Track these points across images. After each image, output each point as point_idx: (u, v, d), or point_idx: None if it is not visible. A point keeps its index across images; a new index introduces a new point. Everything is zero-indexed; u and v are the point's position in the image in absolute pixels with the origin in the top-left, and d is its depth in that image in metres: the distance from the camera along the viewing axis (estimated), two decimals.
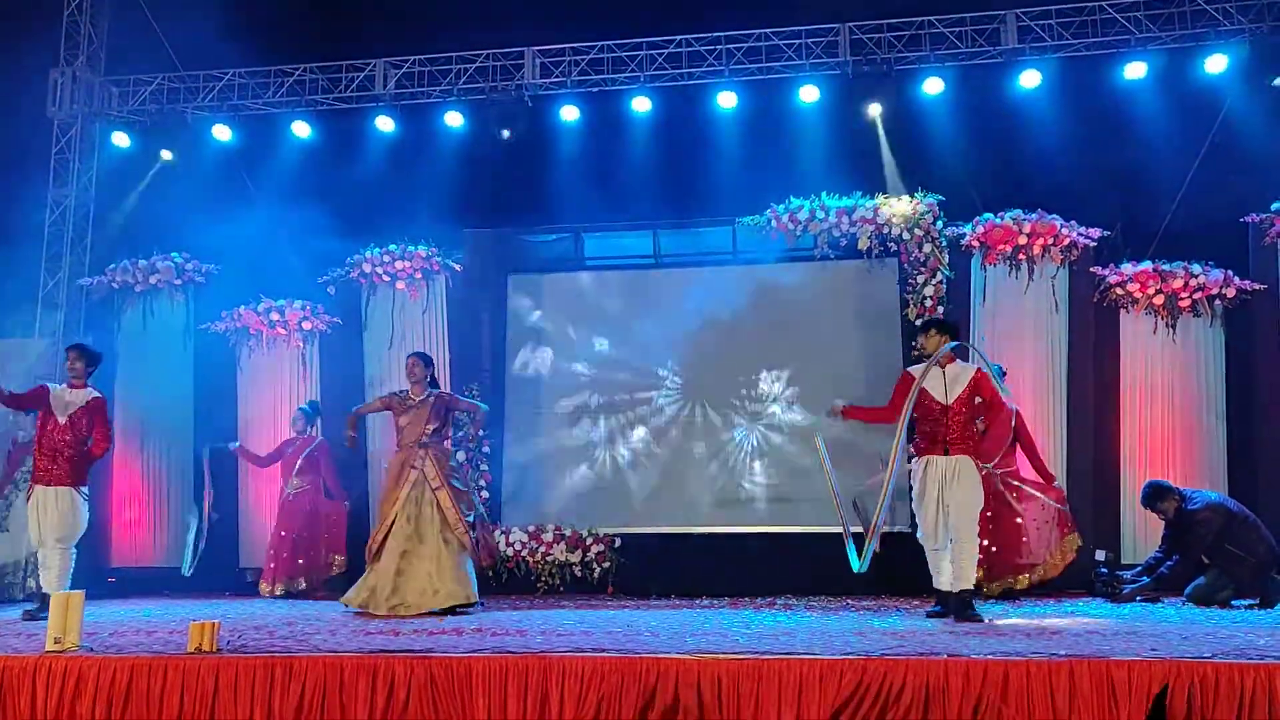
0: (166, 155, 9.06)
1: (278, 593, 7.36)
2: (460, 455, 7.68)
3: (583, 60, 8.70)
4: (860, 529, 5.35)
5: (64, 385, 6.16)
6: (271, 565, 7.48)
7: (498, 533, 7.73)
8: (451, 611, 5.73)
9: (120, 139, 9.17)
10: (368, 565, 5.94)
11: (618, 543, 7.73)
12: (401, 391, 6.32)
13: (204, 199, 8.93)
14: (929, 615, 5.44)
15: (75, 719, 3.58)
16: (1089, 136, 8.04)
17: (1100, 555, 6.86)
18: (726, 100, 8.47)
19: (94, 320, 8.91)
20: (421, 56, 8.92)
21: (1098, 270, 7.72)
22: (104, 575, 7.94)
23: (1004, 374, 6.97)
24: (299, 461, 7.58)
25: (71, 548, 5.95)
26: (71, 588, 5.53)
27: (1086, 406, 7.64)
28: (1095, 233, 7.70)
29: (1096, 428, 7.64)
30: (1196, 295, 7.59)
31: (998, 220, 7.70)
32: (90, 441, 6.08)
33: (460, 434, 7.77)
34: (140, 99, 9.25)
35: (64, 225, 9.09)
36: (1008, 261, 7.77)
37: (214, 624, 3.80)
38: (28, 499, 5.99)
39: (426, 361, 6.35)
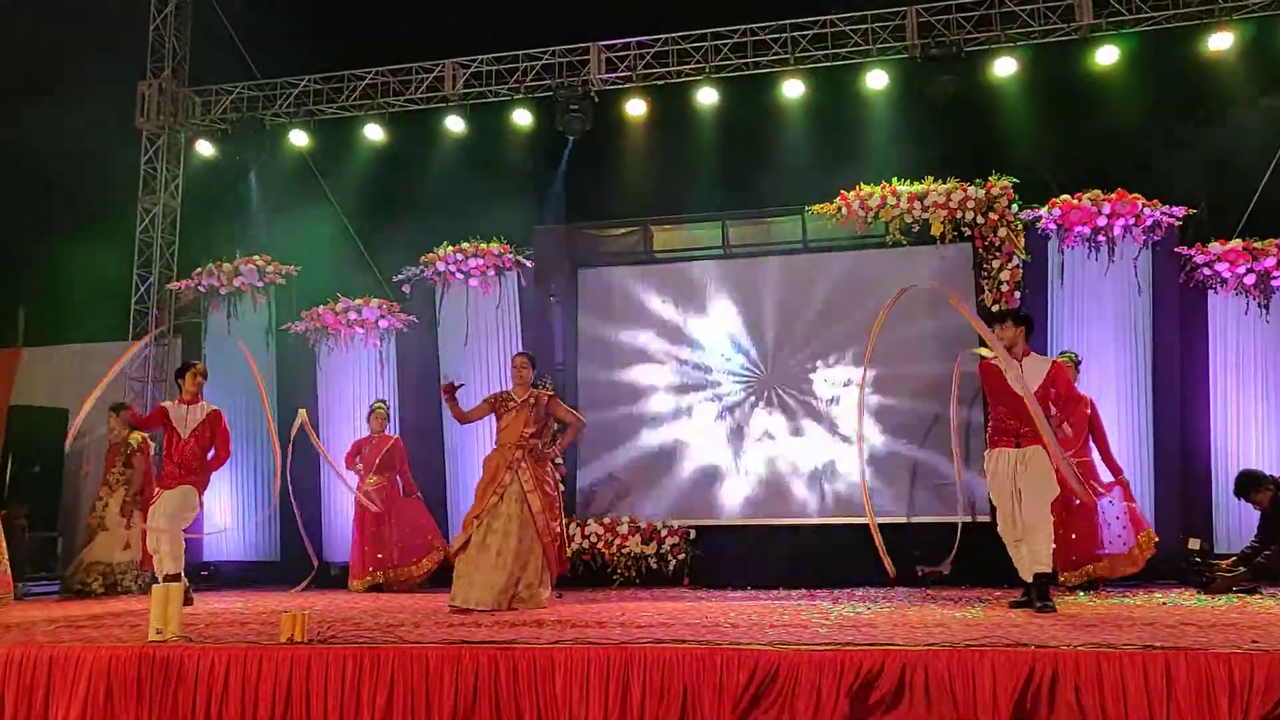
0: (246, 160, 9.33)
1: (364, 587, 7.53)
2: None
3: (647, 54, 8.73)
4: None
5: (175, 401, 6.43)
6: (357, 561, 7.65)
7: (573, 525, 7.81)
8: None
9: (204, 147, 9.50)
10: (456, 562, 5.99)
11: (692, 535, 7.76)
12: (504, 391, 6.25)
13: (283, 203, 9.20)
14: (1012, 606, 5.34)
15: (177, 706, 3.74)
16: (1171, 112, 7.77)
17: (1193, 544, 6.63)
18: (793, 89, 8.41)
19: (182, 323, 9.26)
20: (489, 56, 9.04)
21: (1183, 250, 7.46)
22: (197, 569, 8.25)
23: (1079, 364, 6.76)
24: (377, 459, 7.75)
25: (180, 529, 6.17)
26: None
27: (1174, 392, 7.41)
28: (1180, 211, 7.44)
29: (1184, 413, 7.40)
30: None
31: (1075, 201, 7.50)
32: (212, 453, 6.39)
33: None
34: (221, 108, 9.57)
35: (153, 231, 9.46)
36: (1087, 243, 7.57)
37: (304, 615, 3.93)
38: (148, 504, 6.29)
39: (534, 361, 6.30)
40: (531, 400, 6.12)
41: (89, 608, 6.20)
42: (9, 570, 6.52)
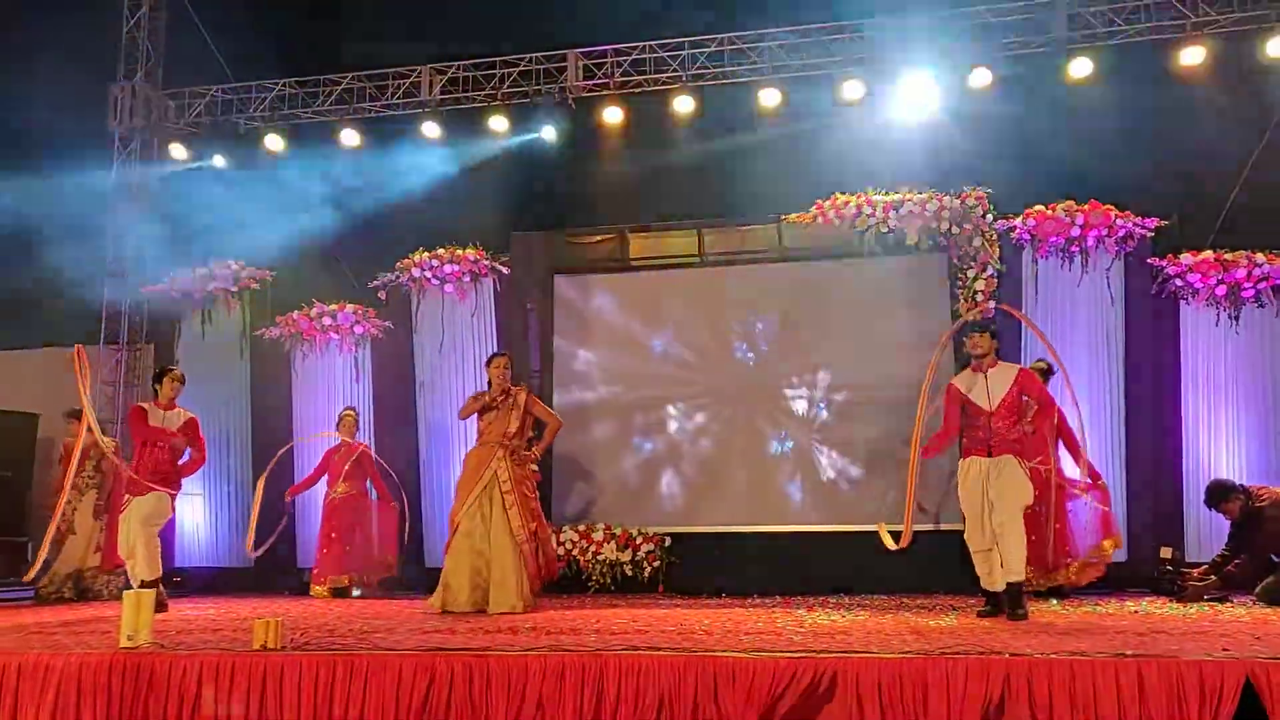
0: (220, 163, 9.25)
1: (326, 592, 7.47)
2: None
3: (625, 61, 8.74)
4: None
5: (152, 404, 6.35)
6: (320, 566, 7.59)
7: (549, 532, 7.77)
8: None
9: (178, 150, 9.41)
10: (445, 561, 5.98)
11: (667, 542, 7.76)
12: (486, 391, 6.28)
13: (258, 207, 9.12)
14: (980, 615, 5.37)
15: (148, 714, 3.68)
16: (1143, 125, 7.85)
17: (1165, 553, 6.70)
18: (769, 98, 8.44)
19: (155, 327, 9.15)
20: (466, 62, 9.02)
21: (1155, 261, 7.56)
22: (169, 575, 8.13)
23: (1051, 373, 6.80)
24: (345, 467, 7.70)
25: (155, 534, 6.14)
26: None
27: (1145, 402, 7.50)
28: (1152, 222, 7.56)
29: (1156, 423, 7.50)
30: (1260, 285, 7.42)
31: (1049, 212, 7.59)
32: (187, 458, 6.34)
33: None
34: (196, 111, 9.48)
35: (125, 235, 9.34)
36: (1060, 254, 7.66)
37: (277, 621, 3.88)
38: (120, 511, 6.22)
39: (512, 361, 6.34)
40: (511, 400, 6.12)
41: (60, 614, 6.10)
42: None
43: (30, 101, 8.94)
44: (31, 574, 6.62)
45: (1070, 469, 6.72)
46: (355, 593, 7.57)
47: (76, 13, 9.36)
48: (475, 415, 6.25)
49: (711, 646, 3.86)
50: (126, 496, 6.27)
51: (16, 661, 3.83)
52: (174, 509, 6.38)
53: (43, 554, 6.31)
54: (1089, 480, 6.61)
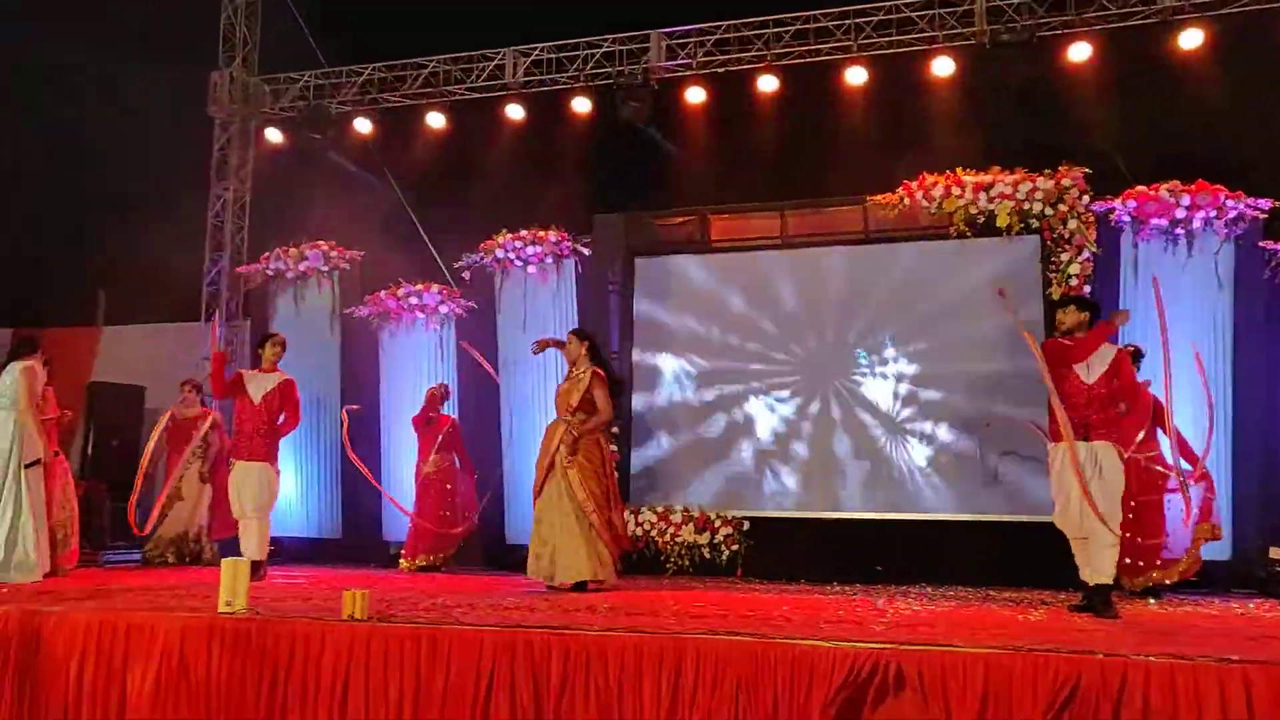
0: (312, 147, 9.50)
1: (416, 566, 7.67)
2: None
3: (708, 41, 8.66)
4: None
5: (251, 369, 6.69)
6: (412, 540, 7.78)
7: (626, 512, 7.82)
8: (581, 588, 5.87)
9: (273, 134, 9.70)
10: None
11: (746, 526, 7.72)
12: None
13: (348, 189, 9.35)
14: (1072, 610, 5.20)
15: (245, 675, 3.86)
16: (1257, 99, 7.45)
17: (1275, 553, 6.38)
18: (856, 76, 8.26)
19: (251, 306, 9.49)
20: (549, 44, 9.06)
21: (1268, 244, 7.16)
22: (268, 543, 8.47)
23: (1141, 356, 6.54)
24: (439, 438, 7.87)
25: (269, 516, 6.56)
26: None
27: (1257, 391, 7.11)
28: (1265, 203, 7.13)
29: (1267, 416, 7.11)
30: None
31: (1151, 192, 7.26)
32: (282, 419, 6.62)
33: None
34: (290, 96, 9.74)
35: (224, 217, 9.70)
36: (1164, 236, 7.32)
37: (365, 593, 4.00)
38: (217, 472, 6.58)
39: (581, 337, 6.40)
40: (579, 376, 6.22)
41: (165, 577, 6.44)
42: (77, 543, 6.77)
43: (134, 88, 9.30)
44: (148, 528, 7.08)
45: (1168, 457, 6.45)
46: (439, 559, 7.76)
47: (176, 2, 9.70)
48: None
49: (792, 633, 3.84)
50: (231, 460, 6.57)
51: (126, 621, 4.05)
52: (279, 480, 6.65)
53: (155, 515, 6.73)
54: (1189, 469, 6.34)
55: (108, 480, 8.54)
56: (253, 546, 6.39)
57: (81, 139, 10.05)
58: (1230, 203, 7.12)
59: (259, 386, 6.58)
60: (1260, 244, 7.14)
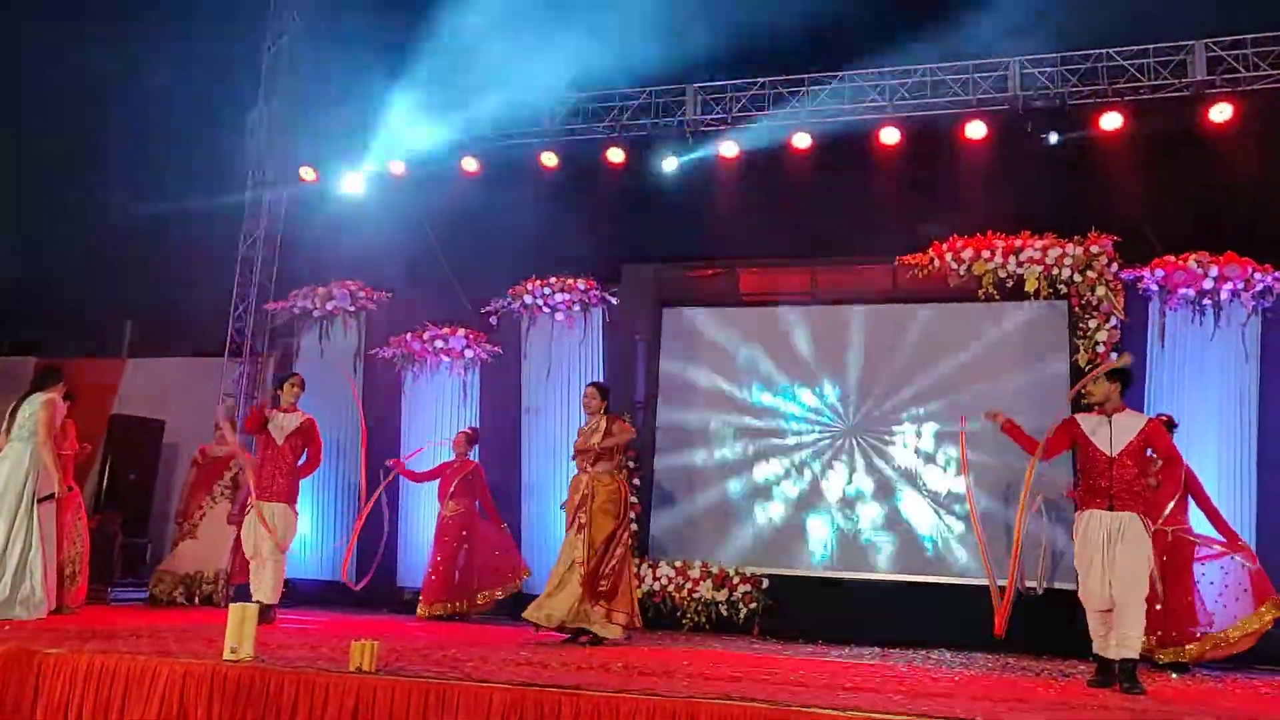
0: (346, 189, 9.61)
1: (434, 614, 7.55)
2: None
3: (744, 97, 8.74)
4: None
5: (274, 409, 6.70)
6: (430, 586, 7.67)
7: (644, 566, 7.76)
8: (580, 634, 5.93)
9: (307, 173, 9.83)
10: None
11: (765, 583, 7.62)
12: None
13: (379, 231, 9.44)
14: (1089, 685, 5.08)
15: None
16: None
17: None
18: (889, 136, 8.30)
19: (275, 342, 9.56)
20: (586, 94, 9.17)
21: None
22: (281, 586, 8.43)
23: (1174, 427, 6.45)
24: (455, 484, 7.83)
25: (284, 558, 6.54)
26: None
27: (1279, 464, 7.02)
28: None
29: None
30: None
31: (1180, 262, 7.23)
32: (305, 459, 6.64)
33: None
34: (325, 136, 9.89)
35: (255, 253, 9.81)
36: (1191, 306, 7.28)
37: (374, 645, 3.96)
38: (244, 513, 6.62)
39: (604, 393, 6.44)
40: (596, 424, 6.28)
41: (172, 618, 6.38)
42: (86, 579, 6.74)
43: (171, 127, 9.50)
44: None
45: (1200, 527, 6.33)
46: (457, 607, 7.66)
47: (216, 42, 9.93)
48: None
49: (808, 701, 3.75)
50: (251, 500, 6.55)
51: (126, 665, 4.00)
52: (296, 522, 6.63)
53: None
54: (1224, 541, 6.21)
55: (122, 514, 8.54)
56: (266, 589, 6.39)
57: (112, 166, 10.25)
58: (1258, 275, 7.10)
59: (280, 427, 6.61)
60: None
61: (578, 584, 5.94)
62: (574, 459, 6.33)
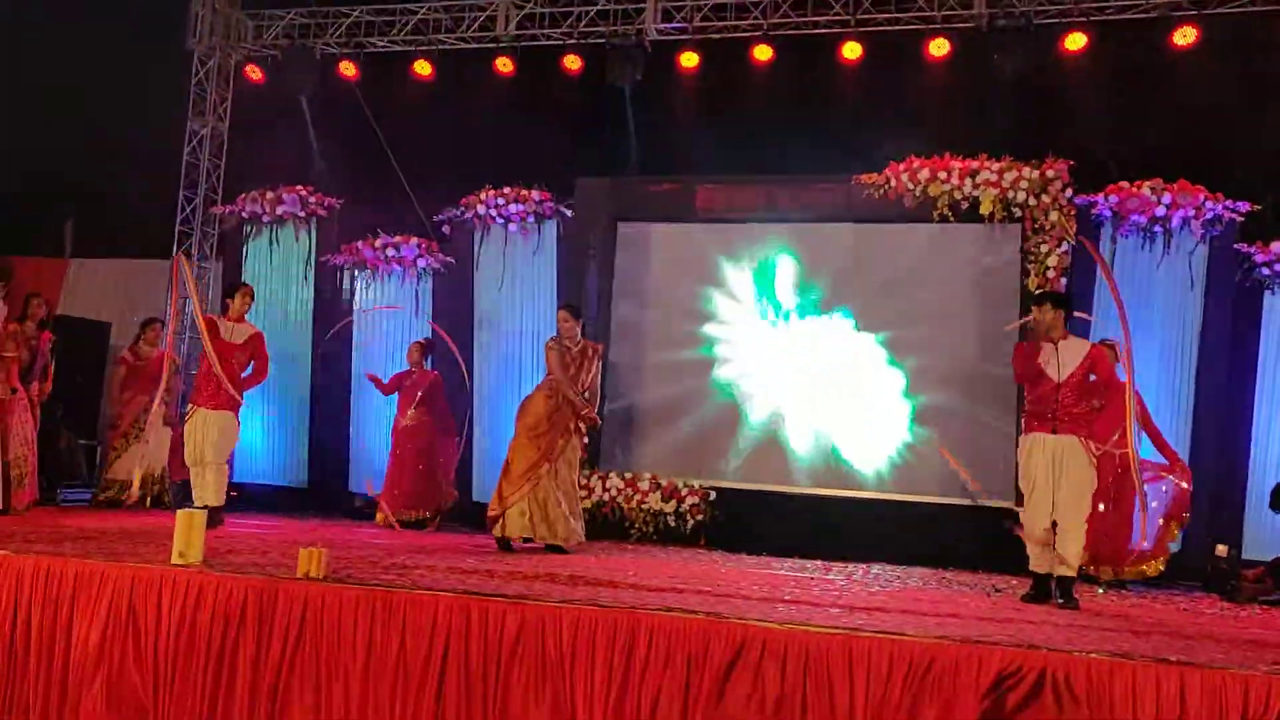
0: (293, 87, 9.27)
1: (394, 521, 7.55)
2: None
3: (705, 6, 8.52)
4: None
5: (221, 318, 6.56)
6: (391, 494, 7.67)
7: (594, 477, 7.85)
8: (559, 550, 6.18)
9: (254, 72, 9.47)
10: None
11: (712, 496, 7.76)
12: (558, 339, 6.44)
13: (329, 134, 9.18)
14: (1023, 599, 5.29)
15: (195, 628, 3.84)
16: (1244, 101, 7.46)
17: (1220, 550, 6.52)
18: (851, 52, 8.18)
19: (224, 247, 9.35)
20: None
21: (1242, 247, 7.23)
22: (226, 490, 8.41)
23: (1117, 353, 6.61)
24: (418, 394, 7.81)
25: (225, 462, 6.50)
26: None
27: (1216, 392, 7.24)
28: (1244, 206, 7.19)
29: (1226, 415, 7.24)
30: None
31: (1134, 189, 7.29)
32: (250, 371, 6.56)
33: None
34: (273, 34, 9.51)
35: (200, 154, 9.49)
36: (1142, 233, 7.37)
37: (322, 552, 3.99)
38: (185, 420, 6.52)
39: (577, 314, 6.48)
40: (589, 352, 6.41)
41: (122, 520, 6.37)
42: (34, 481, 6.67)
43: (112, 16, 9.05)
44: (134, 490, 7.07)
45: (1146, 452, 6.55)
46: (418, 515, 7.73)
47: None
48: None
49: (746, 613, 3.87)
50: (190, 405, 6.48)
51: (74, 568, 4.00)
52: (239, 430, 6.59)
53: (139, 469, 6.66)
54: (1165, 464, 6.45)
55: (69, 416, 8.41)
56: (210, 493, 6.35)
57: (53, 66, 9.79)
58: (1209, 204, 7.17)
59: (231, 337, 6.50)
60: (1235, 246, 7.20)
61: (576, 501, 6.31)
62: (558, 383, 6.30)
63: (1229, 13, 7.49)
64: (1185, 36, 7.51)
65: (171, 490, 7.69)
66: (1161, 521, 6.35)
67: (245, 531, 6.27)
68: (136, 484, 6.91)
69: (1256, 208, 7.19)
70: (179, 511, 4.17)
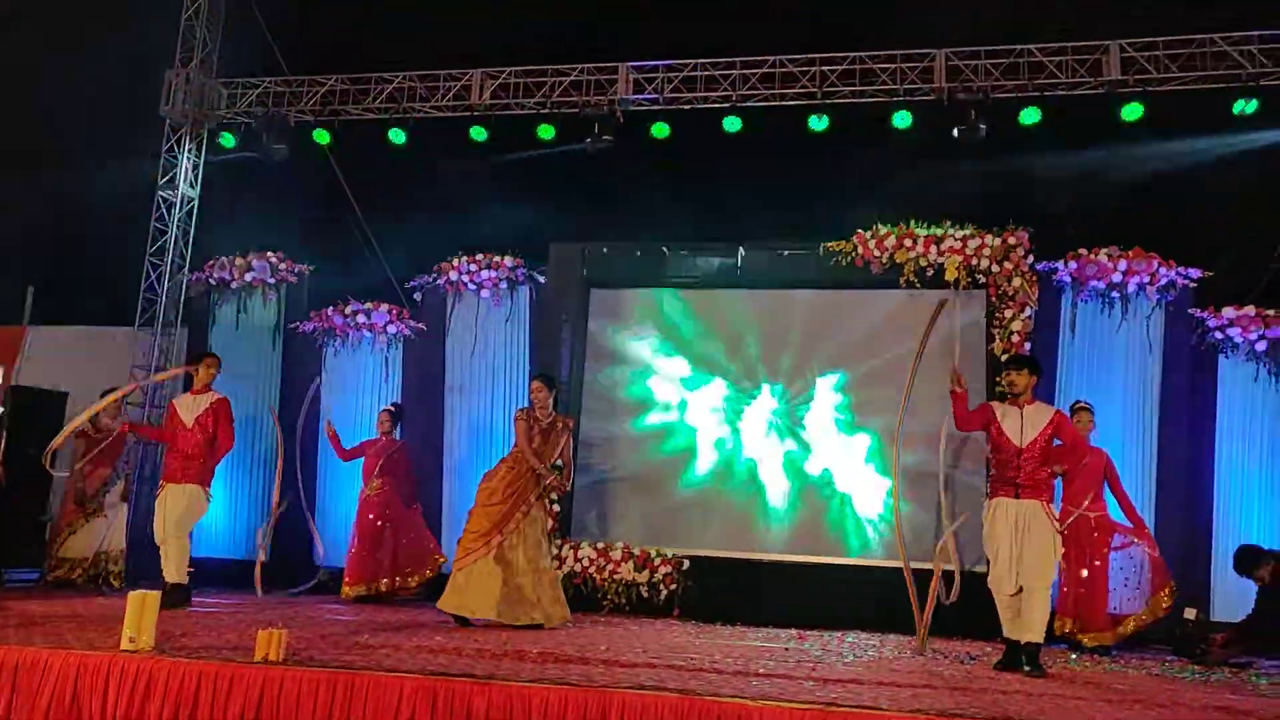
0: (268, 155, 9.33)
1: (357, 594, 7.43)
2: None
3: (676, 78, 8.70)
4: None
5: (183, 393, 6.49)
6: (353, 567, 7.55)
7: (565, 547, 7.76)
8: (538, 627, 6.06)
9: (227, 140, 9.50)
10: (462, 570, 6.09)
11: (685, 565, 7.68)
12: (530, 410, 6.46)
13: (302, 201, 9.21)
14: (996, 667, 5.26)
15: (143, 719, 3.69)
16: (1193, 173, 7.72)
17: (1189, 614, 6.55)
18: (817, 123, 8.37)
19: (190, 314, 9.26)
20: (518, 69, 9.03)
21: (1196, 312, 7.41)
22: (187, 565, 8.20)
23: (1090, 411, 6.74)
24: (381, 462, 7.72)
25: (187, 536, 6.37)
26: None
27: (1178, 453, 7.34)
28: (1195, 273, 7.41)
29: (1188, 477, 7.33)
30: None
31: (1091, 256, 7.48)
32: (216, 441, 6.46)
33: None
34: (247, 102, 9.57)
35: (169, 220, 9.46)
36: (1100, 299, 7.53)
37: (281, 633, 3.88)
38: (156, 496, 6.42)
39: (552, 384, 6.55)
40: (559, 425, 6.47)
41: (72, 604, 6.15)
42: None
43: (86, 84, 9.08)
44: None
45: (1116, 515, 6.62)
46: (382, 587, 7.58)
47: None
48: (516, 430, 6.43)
49: (719, 689, 3.81)
50: (162, 483, 6.37)
51: (16, 657, 3.84)
52: (208, 504, 6.46)
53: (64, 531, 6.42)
54: (1131, 527, 6.52)
55: (20, 492, 8.16)
56: (172, 569, 6.22)
57: (24, 127, 9.77)
58: (1163, 270, 7.38)
59: (191, 410, 6.46)
60: (1189, 311, 7.38)
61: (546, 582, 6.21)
62: (523, 454, 6.30)
63: (1171, 90, 7.77)
64: (1133, 112, 7.78)
65: (123, 571, 7.44)
66: (1151, 592, 6.39)
67: (202, 612, 6.09)
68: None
69: (1208, 273, 7.40)
70: (130, 594, 4.03)
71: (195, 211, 9.61)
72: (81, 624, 4.87)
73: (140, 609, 3.92)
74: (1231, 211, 7.59)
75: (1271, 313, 7.25)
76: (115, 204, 9.65)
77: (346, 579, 7.57)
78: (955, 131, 8.04)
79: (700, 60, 8.64)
